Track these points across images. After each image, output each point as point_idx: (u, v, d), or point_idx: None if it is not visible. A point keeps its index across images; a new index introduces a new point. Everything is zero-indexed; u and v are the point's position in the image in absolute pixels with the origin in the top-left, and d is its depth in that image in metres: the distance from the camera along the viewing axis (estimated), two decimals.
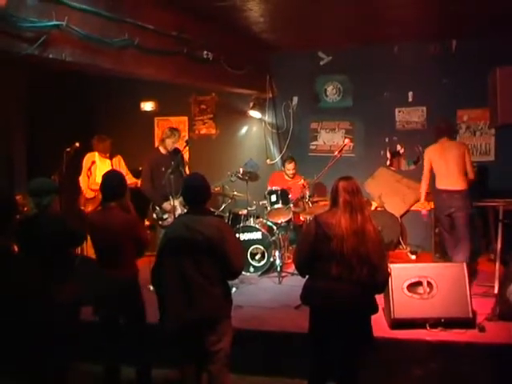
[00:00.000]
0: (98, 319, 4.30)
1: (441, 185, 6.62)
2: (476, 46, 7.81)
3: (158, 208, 6.60)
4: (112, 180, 4.35)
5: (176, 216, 6.06)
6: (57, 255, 4.06)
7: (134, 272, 4.32)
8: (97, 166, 7.34)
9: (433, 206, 7.67)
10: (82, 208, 7.33)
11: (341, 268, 3.57)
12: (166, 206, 6.54)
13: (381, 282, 3.67)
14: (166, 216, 6.56)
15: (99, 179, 7.20)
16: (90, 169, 7.29)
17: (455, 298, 4.92)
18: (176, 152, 6.77)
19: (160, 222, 6.59)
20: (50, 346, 3.39)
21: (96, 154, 7.34)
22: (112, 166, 7.30)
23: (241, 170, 7.61)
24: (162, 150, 6.83)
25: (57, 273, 3.92)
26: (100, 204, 7.09)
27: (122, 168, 7.33)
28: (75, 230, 4.33)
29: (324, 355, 3.77)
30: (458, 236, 6.59)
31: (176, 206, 6.33)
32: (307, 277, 3.83)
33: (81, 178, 7.33)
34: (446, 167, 6.58)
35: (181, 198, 6.14)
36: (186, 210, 4.11)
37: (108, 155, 7.38)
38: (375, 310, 3.73)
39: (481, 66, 7.11)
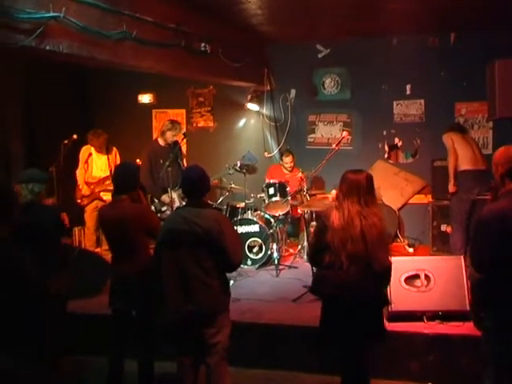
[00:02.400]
0: (111, 312, 4.29)
1: (467, 165, 6.67)
2: (474, 38, 7.80)
3: (156, 200, 6.60)
4: (125, 173, 4.29)
5: (174, 208, 6.07)
6: (48, 244, 4.05)
7: (147, 263, 4.24)
8: (93, 159, 7.32)
9: (430, 200, 7.71)
10: (79, 201, 7.31)
11: (334, 258, 3.57)
12: (165, 198, 6.54)
13: (379, 271, 3.58)
14: (164, 208, 6.57)
15: (96, 172, 7.28)
16: (86, 161, 7.27)
17: (453, 291, 4.93)
18: (174, 144, 6.75)
19: (159, 215, 6.60)
20: (41, 336, 3.39)
21: (92, 147, 7.33)
22: (109, 161, 7.27)
23: (238, 162, 7.58)
24: (161, 142, 6.82)
25: (47, 262, 3.91)
26: (97, 197, 7.17)
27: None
28: (64, 219, 4.33)
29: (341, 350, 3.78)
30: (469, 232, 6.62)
31: (174, 198, 6.33)
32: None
33: (78, 172, 7.30)
34: (472, 149, 6.78)
35: (179, 191, 6.14)
36: (184, 203, 4.10)
37: (104, 150, 7.34)
38: (381, 302, 3.71)
39: (479, 58, 7.13)
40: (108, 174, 7.24)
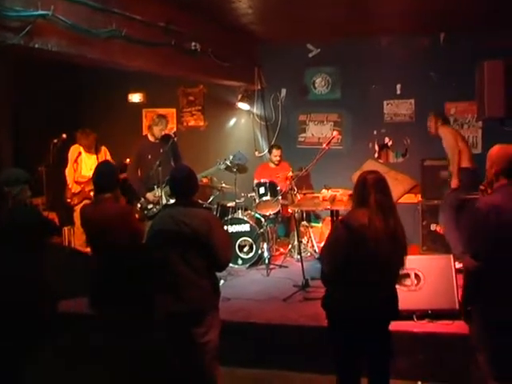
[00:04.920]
0: (93, 313, 4.25)
1: (467, 163, 6.64)
2: (464, 39, 7.83)
3: (142, 198, 6.59)
4: (105, 171, 4.25)
5: (162, 206, 6.05)
6: (28, 245, 4.01)
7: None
8: (82, 159, 7.27)
9: (420, 199, 7.72)
10: (69, 201, 7.27)
11: (375, 273, 3.42)
12: (149, 196, 6.55)
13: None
14: (150, 206, 6.55)
15: (85, 172, 7.24)
16: (76, 161, 7.22)
17: (442, 290, 4.95)
18: (166, 139, 6.71)
19: (145, 212, 6.57)
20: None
21: (81, 146, 7.29)
22: (98, 160, 7.22)
23: (231, 156, 7.35)
24: (151, 138, 6.83)
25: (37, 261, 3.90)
26: (87, 197, 7.12)
27: None
28: (46, 220, 4.28)
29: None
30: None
31: (162, 196, 6.31)
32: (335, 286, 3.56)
33: (67, 171, 7.25)
34: (469, 147, 6.81)
35: (167, 188, 6.11)
36: (171, 201, 4.07)
37: (93, 150, 7.31)
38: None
39: (468, 59, 7.16)
40: None
